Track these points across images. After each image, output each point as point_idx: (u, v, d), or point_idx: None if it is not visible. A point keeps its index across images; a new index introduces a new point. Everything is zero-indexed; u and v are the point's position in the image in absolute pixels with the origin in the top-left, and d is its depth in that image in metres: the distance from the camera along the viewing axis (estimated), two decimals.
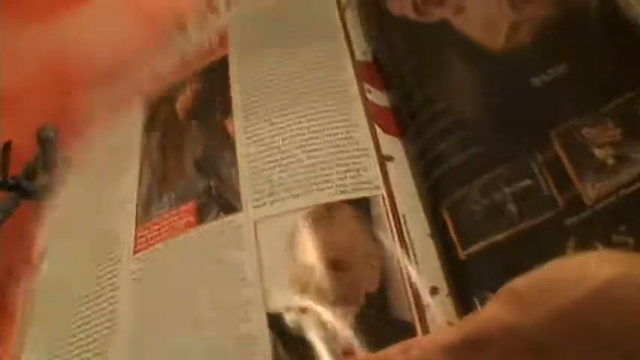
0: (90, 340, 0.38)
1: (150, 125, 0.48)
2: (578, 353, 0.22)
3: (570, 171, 0.33)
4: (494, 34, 0.39)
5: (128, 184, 0.44)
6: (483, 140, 0.36)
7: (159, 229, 0.40)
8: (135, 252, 0.40)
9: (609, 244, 0.30)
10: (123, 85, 0.51)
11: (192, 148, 0.44)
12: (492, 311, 0.25)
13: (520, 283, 0.25)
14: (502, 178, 0.35)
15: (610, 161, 0.33)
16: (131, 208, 0.43)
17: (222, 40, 0.51)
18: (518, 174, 0.35)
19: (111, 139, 0.49)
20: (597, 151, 0.33)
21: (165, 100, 0.49)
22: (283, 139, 0.41)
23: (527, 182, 0.34)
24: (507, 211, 0.34)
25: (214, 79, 0.48)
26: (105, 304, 0.39)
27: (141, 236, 0.41)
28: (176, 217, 0.40)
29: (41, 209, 0.48)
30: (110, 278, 0.40)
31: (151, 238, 0.40)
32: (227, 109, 0.45)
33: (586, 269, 0.23)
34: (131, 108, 0.51)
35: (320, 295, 0.34)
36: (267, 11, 0.51)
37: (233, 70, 0.48)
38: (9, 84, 0.56)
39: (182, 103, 0.48)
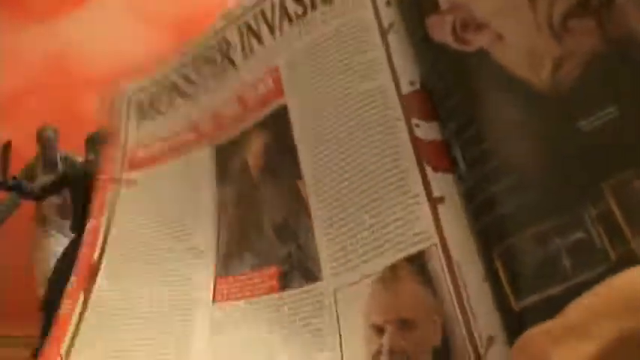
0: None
1: (222, 176, 0.51)
2: None
3: (624, 225, 0.33)
4: (537, 70, 0.37)
5: (204, 234, 0.48)
6: (533, 188, 0.36)
7: (240, 286, 0.44)
8: (214, 301, 0.44)
9: None
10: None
11: (269, 210, 0.47)
12: None
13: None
14: (554, 229, 0.35)
15: None
16: (209, 259, 0.47)
17: (276, 83, 0.50)
18: (570, 226, 0.34)
19: (179, 180, 0.53)
20: None
21: (235, 150, 0.51)
22: (347, 201, 0.43)
23: (580, 235, 0.34)
24: (561, 264, 0.34)
25: (278, 132, 0.49)
26: (173, 339, 0.44)
27: (220, 288, 0.45)
28: (259, 280, 0.44)
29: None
30: (184, 317, 0.43)
31: (231, 293, 0.44)
32: (297, 170, 0.46)
33: None
34: (197, 148, 0.53)
35: (393, 356, 0.37)
36: (312, 47, 0.49)
37: (295, 125, 0.48)
38: (9, 84, 0.59)
39: (254, 158, 0.50)
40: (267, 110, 0.50)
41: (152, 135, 0.57)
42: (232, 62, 0.53)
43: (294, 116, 0.48)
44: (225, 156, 0.52)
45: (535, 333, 0.31)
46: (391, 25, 0.47)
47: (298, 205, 0.45)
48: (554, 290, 0.34)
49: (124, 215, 0.53)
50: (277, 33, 0.51)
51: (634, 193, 0.33)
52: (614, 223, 0.33)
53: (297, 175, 0.46)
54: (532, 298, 0.35)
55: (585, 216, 0.34)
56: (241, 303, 0.44)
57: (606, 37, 0.36)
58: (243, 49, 0.52)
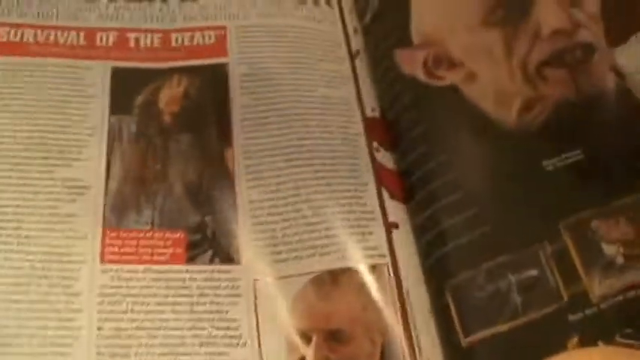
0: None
1: (117, 104, 0.43)
2: None
3: (578, 265, 0.33)
4: (507, 109, 0.39)
5: (88, 164, 0.40)
6: (492, 222, 0.36)
7: (136, 246, 0.37)
8: (102, 260, 0.36)
9: (613, 344, 0.30)
10: None
11: (181, 166, 0.41)
12: None
13: None
14: (509, 265, 0.34)
15: (619, 260, 0.33)
16: (95, 199, 0.39)
17: (220, 41, 0.47)
18: (525, 263, 0.34)
19: (55, 88, 0.43)
20: (606, 247, 0.33)
21: (140, 82, 0.45)
22: (288, 190, 0.40)
23: (534, 272, 0.34)
24: (512, 301, 0.34)
25: (209, 89, 0.45)
26: (59, 306, 0.35)
27: (110, 244, 0.37)
28: (161, 242, 0.37)
29: None
30: (64, 280, 0.36)
31: (124, 253, 0.37)
32: (226, 137, 0.42)
33: None
34: (86, 58, 0.45)
35: None
36: (271, 28, 0.48)
37: (233, 88, 0.45)
38: None
39: (168, 100, 0.44)
40: (198, 61, 0.46)
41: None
42: None
43: (235, 81, 0.45)
44: (124, 83, 0.44)
45: None
46: (357, 52, 0.48)
47: (221, 175, 0.41)
48: (503, 327, 0.33)
49: None
50: None
51: (590, 234, 0.34)
52: (568, 262, 0.34)
53: (225, 141, 0.42)
54: (480, 334, 0.34)
55: (540, 253, 0.34)
56: (140, 269, 0.36)
57: (578, 88, 0.38)
58: None
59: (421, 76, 0.43)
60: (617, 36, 0.39)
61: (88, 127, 0.41)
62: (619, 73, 0.38)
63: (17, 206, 0.37)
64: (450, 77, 0.41)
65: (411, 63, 0.43)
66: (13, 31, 0.45)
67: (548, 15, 0.40)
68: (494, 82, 0.40)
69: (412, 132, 0.42)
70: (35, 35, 0.46)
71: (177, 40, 0.47)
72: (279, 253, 0.38)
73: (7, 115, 0.41)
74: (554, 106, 0.38)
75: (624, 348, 0.30)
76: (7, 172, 0.38)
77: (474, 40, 0.41)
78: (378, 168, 0.41)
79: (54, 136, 0.40)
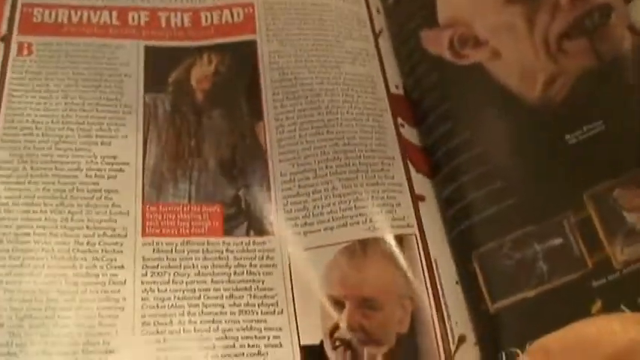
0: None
1: (152, 82, 0.45)
2: None
3: (601, 233, 0.34)
4: (530, 85, 0.40)
5: (126, 141, 0.41)
6: (517, 194, 0.37)
7: (175, 219, 0.39)
8: (144, 234, 0.38)
9: (635, 308, 0.31)
10: None
11: (214, 141, 0.42)
12: None
13: (551, 340, 0.27)
14: (534, 234, 0.36)
15: None
16: (134, 175, 0.40)
17: (248, 19, 0.48)
18: (550, 232, 0.36)
19: (92, 67, 0.44)
20: (628, 216, 0.34)
21: (173, 60, 0.46)
22: (319, 163, 0.41)
23: (559, 241, 0.35)
24: (538, 269, 0.35)
25: (239, 65, 0.46)
26: (104, 278, 0.36)
27: (150, 218, 0.38)
28: (199, 216, 0.39)
29: None
30: (108, 252, 0.37)
31: (165, 226, 0.38)
32: (257, 112, 0.44)
33: (610, 332, 0.25)
34: (119, 37, 0.46)
35: (351, 333, 0.35)
36: (297, 5, 0.49)
37: (263, 64, 0.46)
38: None
39: (199, 78, 0.45)
40: (228, 39, 0.47)
41: None
42: None
43: (264, 58, 0.46)
44: (158, 61, 0.45)
45: None
46: (381, 31, 0.49)
47: (252, 146, 0.42)
48: (530, 293, 0.35)
49: (20, 93, 0.42)
50: None
51: (612, 203, 0.35)
52: (592, 230, 0.35)
53: (257, 115, 0.43)
54: (507, 301, 0.36)
55: (565, 223, 0.36)
56: (178, 241, 0.38)
57: (597, 55, 0.39)
58: None
59: (447, 55, 0.44)
60: None
61: (124, 105, 0.42)
62: (634, 30, 0.39)
63: (60, 183, 0.38)
64: (475, 56, 0.43)
65: (437, 43, 0.45)
66: (47, 12, 0.46)
67: None
68: (518, 58, 0.41)
69: (437, 110, 0.43)
70: (69, 15, 0.47)
71: (206, 18, 0.48)
72: (311, 224, 0.39)
73: (44, 94, 0.42)
74: (575, 79, 0.39)
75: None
76: (48, 151, 0.40)
77: (498, 18, 0.42)
78: (403, 142, 0.43)
79: (91, 114, 0.42)
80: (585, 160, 0.37)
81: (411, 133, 0.44)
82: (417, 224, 0.39)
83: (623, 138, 0.36)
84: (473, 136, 0.40)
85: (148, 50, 0.46)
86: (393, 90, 0.46)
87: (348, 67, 0.46)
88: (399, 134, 0.43)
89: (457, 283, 0.38)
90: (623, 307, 0.32)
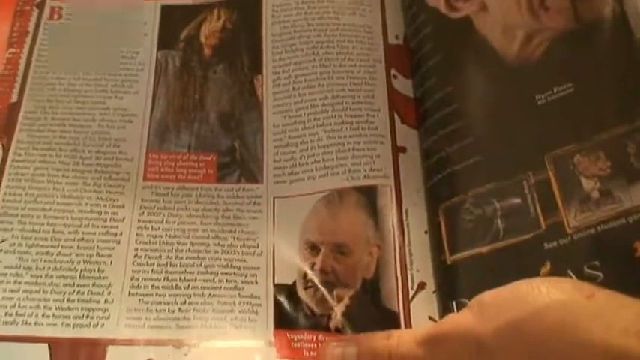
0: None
1: (165, 40, 0.48)
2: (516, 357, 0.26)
3: (557, 197, 0.35)
4: (510, 41, 0.40)
5: (137, 96, 0.45)
6: (484, 151, 0.39)
7: (174, 167, 0.43)
8: (145, 178, 0.42)
9: (580, 275, 0.32)
10: None
11: (217, 95, 0.45)
12: (459, 315, 0.30)
13: (487, 295, 0.29)
14: (495, 192, 0.37)
15: (595, 195, 0.34)
16: (141, 127, 0.44)
17: None
18: (510, 191, 0.37)
19: (112, 28, 0.49)
20: (585, 182, 0.35)
21: (185, 18, 0.49)
22: (308, 115, 0.44)
23: (517, 201, 0.36)
24: (494, 226, 0.37)
25: (244, 20, 0.48)
26: (106, 215, 0.41)
27: (152, 165, 0.43)
28: (195, 164, 0.43)
29: None
30: (111, 193, 0.42)
31: (165, 172, 0.42)
32: (257, 66, 0.46)
33: (537, 292, 0.27)
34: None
35: (323, 275, 0.39)
36: None
37: (266, 18, 0.48)
38: None
39: (208, 34, 0.48)
40: None
41: None
42: None
43: (268, 12, 0.48)
44: (171, 19, 0.49)
45: None
46: None
47: (251, 100, 0.45)
48: (484, 249, 0.37)
49: (48, 52, 0.47)
50: None
51: (572, 167, 0.35)
52: (549, 193, 0.36)
53: (256, 69, 0.46)
54: (463, 254, 0.38)
55: (524, 183, 0.37)
56: (175, 186, 0.42)
57: (577, 16, 0.38)
58: None
59: (442, 7, 0.44)
60: None
61: (139, 63, 0.47)
62: None
63: (75, 132, 0.44)
64: (465, 8, 0.43)
65: None
66: None
67: None
68: (501, 12, 0.41)
69: (429, 61, 0.44)
70: None
71: None
72: (297, 173, 0.42)
73: (70, 54, 0.47)
74: (551, 39, 0.38)
75: (569, 279, 0.32)
76: (68, 104, 0.45)
77: None
78: (393, 94, 0.44)
79: (109, 71, 0.46)
80: (551, 122, 0.37)
81: (403, 85, 0.45)
82: (395, 175, 0.42)
83: (591, 103, 0.36)
84: (454, 91, 0.41)
85: (164, 9, 0.49)
86: (392, 40, 0.47)
87: (348, 17, 0.47)
88: (389, 85, 0.45)
89: (426, 232, 0.40)
90: (569, 272, 0.33)
